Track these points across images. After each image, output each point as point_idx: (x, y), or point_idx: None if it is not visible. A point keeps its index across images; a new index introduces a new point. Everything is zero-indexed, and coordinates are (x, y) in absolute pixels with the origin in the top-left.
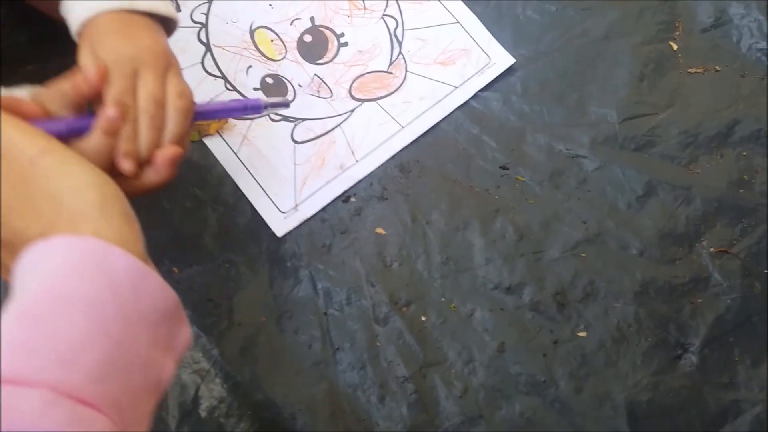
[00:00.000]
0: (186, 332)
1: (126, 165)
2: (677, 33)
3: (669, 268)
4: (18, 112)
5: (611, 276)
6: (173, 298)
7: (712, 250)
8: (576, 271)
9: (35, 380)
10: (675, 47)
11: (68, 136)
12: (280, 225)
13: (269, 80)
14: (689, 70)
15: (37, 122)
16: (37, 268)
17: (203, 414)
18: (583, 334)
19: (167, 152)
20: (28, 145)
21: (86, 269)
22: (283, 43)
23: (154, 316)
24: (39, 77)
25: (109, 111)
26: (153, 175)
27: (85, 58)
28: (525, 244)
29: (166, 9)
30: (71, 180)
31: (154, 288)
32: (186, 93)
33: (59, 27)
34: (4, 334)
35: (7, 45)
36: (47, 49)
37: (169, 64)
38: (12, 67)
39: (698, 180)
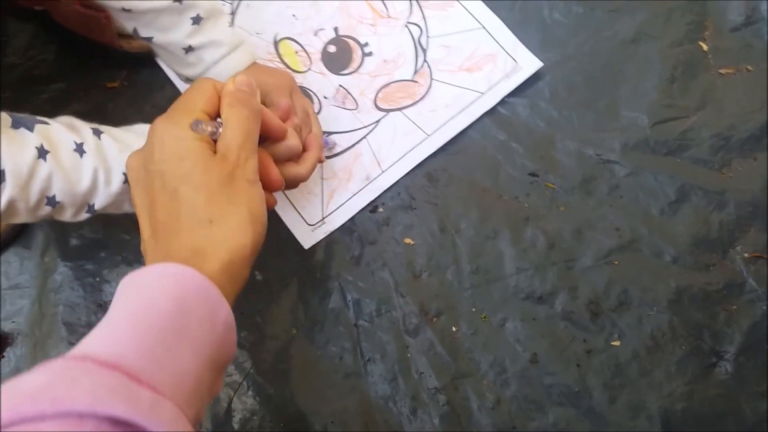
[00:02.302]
0: (233, 354)
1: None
2: (707, 33)
3: (703, 274)
4: (267, 122)
5: (645, 284)
6: (235, 347)
7: (746, 255)
8: (609, 280)
9: (159, 389)
10: (705, 48)
11: None
12: (307, 237)
13: None
14: (720, 70)
15: None
16: (159, 290)
17: (236, 426)
18: (616, 343)
19: (318, 137)
20: (255, 165)
21: (200, 311)
22: (308, 54)
23: (228, 361)
24: (66, 94)
25: (295, 119)
26: (311, 159)
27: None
28: (556, 252)
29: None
30: (245, 212)
31: (234, 339)
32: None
33: (84, 44)
34: (128, 338)
35: (36, 63)
36: (72, 66)
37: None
38: (41, 85)
39: (731, 184)
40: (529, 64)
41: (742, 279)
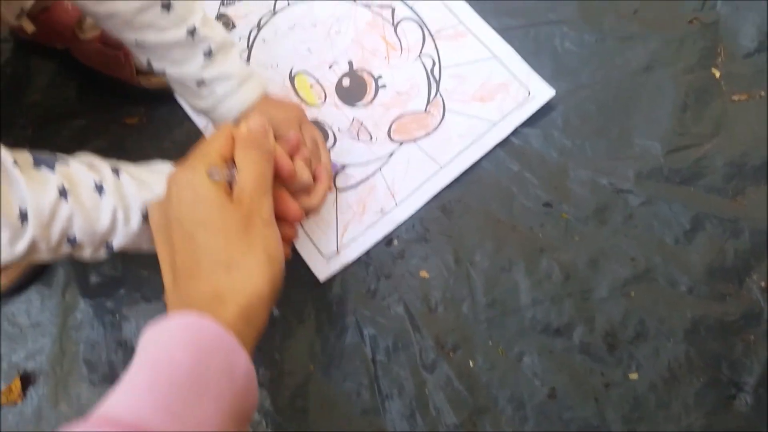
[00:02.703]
0: (256, 403)
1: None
2: (719, 59)
3: (719, 304)
4: (277, 163)
5: (661, 315)
6: (257, 396)
7: (762, 284)
8: (625, 311)
9: None
10: (718, 74)
11: None
12: (322, 269)
13: None
14: (733, 97)
15: None
16: (177, 344)
17: None
18: (634, 376)
19: (327, 167)
20: (269, 205)
21: (218, 363)
22: (322, 87)
23: (251, 410)
24: (86, 131)
25: (305, 151)
26: (321, 190)
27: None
28: (572, 283)
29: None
30: (262, 255)
31: (255, 387)
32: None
33: (103, 81)
34: (145, 391)
35: (58, 100)
36: (92, 103)
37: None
38: (62, 122)
39: (746, 212)
40: (542, 93)
41: (760, 308)
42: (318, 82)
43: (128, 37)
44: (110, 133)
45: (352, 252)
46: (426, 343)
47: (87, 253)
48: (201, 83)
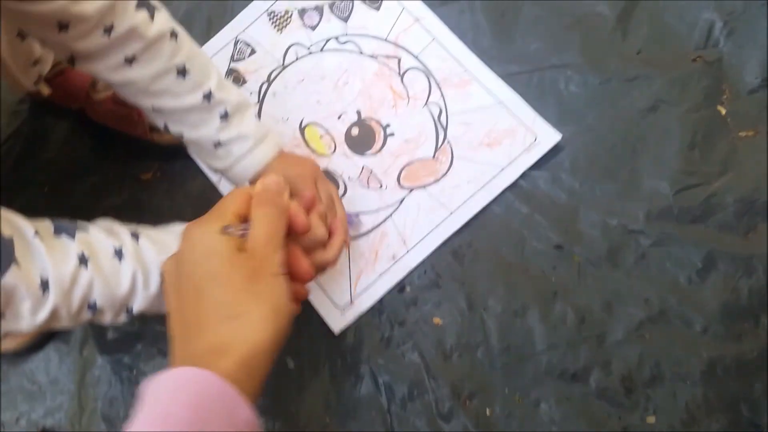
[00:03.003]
0: None
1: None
2: (725, 97)
3: (735, 344)
4: (292, 218)
5: (677, 356)
6: None
7: None
8: (641, 353)
9: None
10: (723, 112)
11: None
12: (337, 321)
13: None
14: (740, 134)
15: None
16: (176, 398)
17: None
18: (652, 419)
19: (343, 221)
20: (280, 260)
21: (218, 416)
22: (332, 137)
23: None
24: (101, 187)
25: (320, 206)
26: (337, 244)
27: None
28: (587, 327)
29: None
30: (267, 306)
31: None
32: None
33: (118, 138)
34: None
35: (73, 158)
36: (107, 159)
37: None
38: (78, 178)
39: (758, 249)
40: (549, 137)
41: None
42: (328, 132)
43: (144, 102)
44: (125, 188)
45: (365, 301)
46: (442, 392)
47: (107, 318)
48: (218, 145)
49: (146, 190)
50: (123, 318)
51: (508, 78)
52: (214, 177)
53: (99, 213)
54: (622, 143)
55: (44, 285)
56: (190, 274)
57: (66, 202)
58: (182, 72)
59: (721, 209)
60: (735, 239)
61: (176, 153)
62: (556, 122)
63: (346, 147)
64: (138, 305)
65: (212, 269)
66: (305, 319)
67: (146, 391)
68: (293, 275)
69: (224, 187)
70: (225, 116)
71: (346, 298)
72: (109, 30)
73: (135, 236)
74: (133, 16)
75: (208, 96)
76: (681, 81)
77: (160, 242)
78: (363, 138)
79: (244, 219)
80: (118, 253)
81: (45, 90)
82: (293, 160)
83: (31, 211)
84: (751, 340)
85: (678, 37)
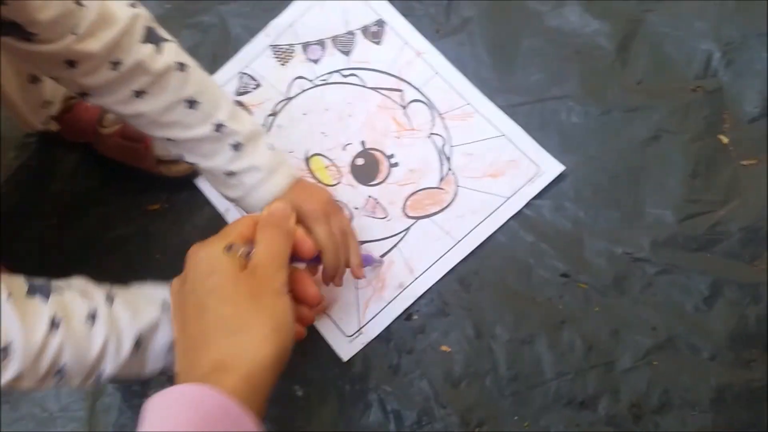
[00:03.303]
0: None
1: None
2: (726, 125)
3: (744, 371)
4: (299, 245)
5: (685, 383)
6: None
7: None
8: (649, 381)
9: None
10: (725, 140)
11: None
12: (345, 349)
13: None
14: (742, 162)
15: None
16: (179, 416)
17: None
18: None
19: (358, 260)
20: (283, 280)
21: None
22: (337, 168)
23: None
24: (109, 218)
25: (335, 239)
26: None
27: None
28: (595, 355)
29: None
30: (268, 322)
31: None
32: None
33: (125, 170)
34: None
35: (81, 189)
36: (115, 190)
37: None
38: (87, 210)
39: (764, 277)
40: (552, 167)
41: None
42: (333, 162)
43: (156, 133)
44: (133, 219)
45: (373, 329)
46: (451, 420)
47: (75, 383)
48: (230, 174)
49: (154, 220)
50: (91, 384)
51: (510, 109)
52: (221, 207)
53: (106, 244)
54: (625, 172)
55: (6, 350)
56: (193, 292)
57: (74, 234)
58: (192, 103)
59: (726, 237)
60: (741, 267)
61: (183, 184)
62: (559, 152)
63: (351, 177)
64: (109, 370)
65: (215, 286)
66: (313, 347)
67: (150, 409)
68: (300, 298)
69: (231, 216)
70: (237, 147)
71: (354, 326)
72: (116, 65)
73: (110, 299)
74: (139, 51)
75: (218, 127)
76: (682, 110)
77: (135, 307)
78: (368, 168)
79: (250, 242)
80: (91, 317)
81: (54, 127)
82: (307, 192)
83: (39, 242)
84: (759, 368)
85: (677, 67)
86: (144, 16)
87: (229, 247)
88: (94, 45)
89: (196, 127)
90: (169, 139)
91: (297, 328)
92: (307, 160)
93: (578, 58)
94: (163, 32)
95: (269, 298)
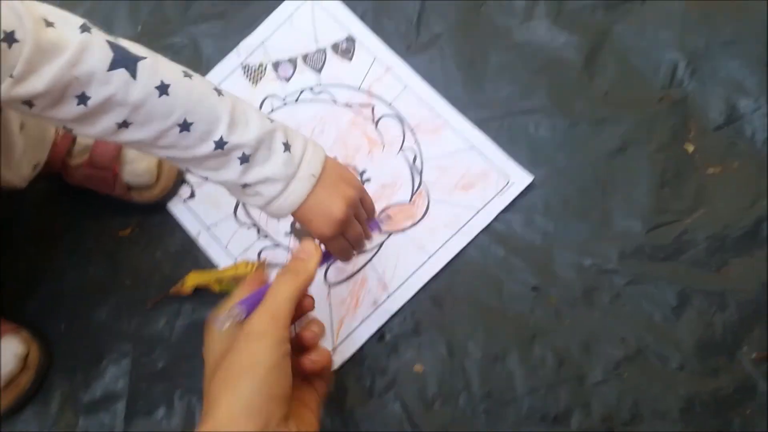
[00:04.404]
0: None
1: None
2: (691, 134)
3: (712, 380)
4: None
5: (655, 394)
6: None
7: (753, 356)
8: (620, 393)
9: None
10: (691, 149)
11: None
12: None
13: (299, 225)
14: (708, 171)
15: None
16: None
17: None
18: None
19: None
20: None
21: None
22: None
23: None
24: (79, 245)
25: (348, 250)
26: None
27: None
28: (567, 369)
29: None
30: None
31: None
32: None
33: (96, 196)
34: None
35: (51, 216)
36: (85, 216)
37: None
38: (57, 236)
39: (731, 284)
40: (521, 179)
41: (753, 381)
42: None
43: (157, 155)
44: (103, 245)
45: (348, 349)
46: None
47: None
48: (245, 186)
49: (124, 246)
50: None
51: (480, 123)
52: (193, 231)
53: (77, 270)
54: (593, 184)
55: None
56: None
57: (44, 261)
58: (185, 126)
59: (692, 246)
60: (708, 275)
61: (155, 209)
62: (528, 165)
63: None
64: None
65: (210, 361)
66: None
67: None
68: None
69: (203, 240)
70: (245, 159)
71: (329, 347)
72: (84, 100)
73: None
74: (108, 83)
75: (220, 144)
76: (648, 121)
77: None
78: None
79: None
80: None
81: None
82: (326, 201)
83: (11, 270)
84: (727, 375)
85: (643, 77)
86: (100, 41)
87: (218, 322)
88: (37, 83)
89: (196, 148)
90: (172, 159)
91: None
92: None
93: (546, 71)
94: (136, 50)
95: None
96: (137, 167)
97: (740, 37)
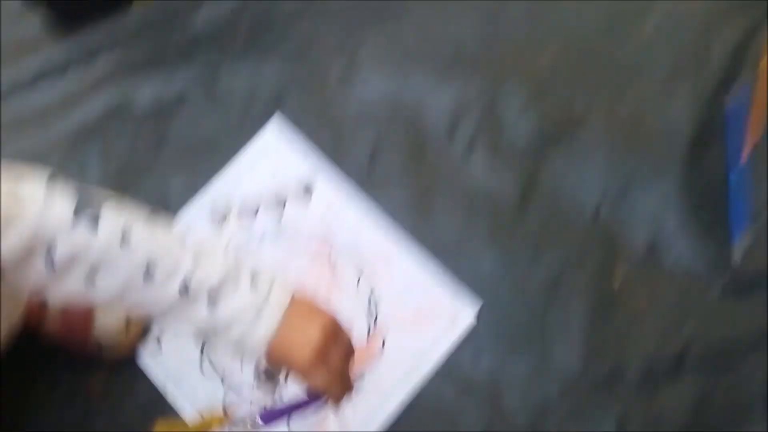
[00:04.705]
0: None
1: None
2: (617, 267)
3: None
4: None
5: None
6: None
7: None
8: None
9: None
10: (618, 281)
11: None
12: None
13: (264, 369)
14: (634, 301)
15: None
16: None
17: None
18: None
19: None
20: None
21: None
22: None
23: None
24: (49, 399)
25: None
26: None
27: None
28: None
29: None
30: None
31: None
32: None
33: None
34: None
35: (21, 372)
36: (56, 370)
37: None
38: (25, 393)
39: (666, 410)
40: (468, 314)
41: None
42: None
43: (124, 305)
44: (73, 401)
45: None
46: None
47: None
48: (216, 325)
49: (94, 401)
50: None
51: (428, 258)
52: (160, 385)
53: (47, 427)
54: (532, 319)
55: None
56: None
57: (14, 416)
58: (148, 272)
59: (629, 373)
60: (644, 402)
61: (124, 364)
62: (472, 300)
63: None
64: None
65: None
66: None
67: None
68: None
69: (170, 393)
70: (212, 297)
71: None
72: (48, 262)
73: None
74: (71, 239)
75: (185, 285)
76: (577, 257)
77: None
78: None
79: None
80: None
81: None
82: (297, 334)
83: None
84: None
85: (571, 215)
86: (61, 194)
87: None
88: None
89: (160, 292)
90: (137, 307)
91: None
92: None
93: (485, 209)
94: (99, 195)
95: None
96: (107, 326)
97: (657, 173)
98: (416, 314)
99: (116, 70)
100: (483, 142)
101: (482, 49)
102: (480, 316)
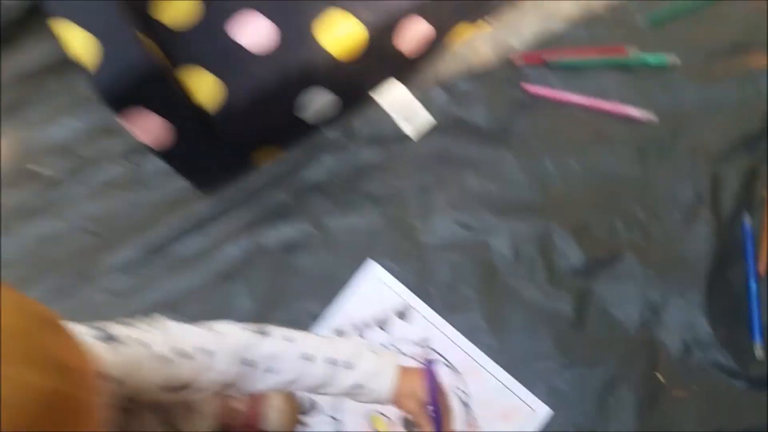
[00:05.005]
0: None
1: None
2: (660, 365)
3: None
4: None
5: None
6: None
7: None
8: None
9: None
10: (662, 378)
11: None
12: None
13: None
14: (675, 393)
15: None
16: None
17: None
18: None
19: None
20: None
21: None
22: (391, 420)
23: None
24: None
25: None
26: None
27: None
28: None
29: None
30: None
31: None
32: None
33: None
34: None
35: None
36: None
37: None
38: None
39: None
40: (544, 412)
41: None
42: (389, 419)
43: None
44: None
45: None
46: None
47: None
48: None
49: None
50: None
51: (507, 367)
52: None
53: None
54: (593, 410)
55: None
56: None
57: None
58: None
59: None
60: None
61: None
62: (545, 401)
63: (402, 428)
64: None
65: None
66: None
67: None
68: None
69: None
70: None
71: None
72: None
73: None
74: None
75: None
76: (628, 360)
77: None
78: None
79: None
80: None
81: None
82: (408, 390)
83: None
84: None
85: (620, 324)
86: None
87: None
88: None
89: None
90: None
91: None
92: (369, 418)
93: (550, 323)
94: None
95: None
96: (273, 414)
97: (687, 288)
98: (502, 409)
99: (249, 219)
100: (541, 269)
101: (531, 195)
102: (554, 412)
